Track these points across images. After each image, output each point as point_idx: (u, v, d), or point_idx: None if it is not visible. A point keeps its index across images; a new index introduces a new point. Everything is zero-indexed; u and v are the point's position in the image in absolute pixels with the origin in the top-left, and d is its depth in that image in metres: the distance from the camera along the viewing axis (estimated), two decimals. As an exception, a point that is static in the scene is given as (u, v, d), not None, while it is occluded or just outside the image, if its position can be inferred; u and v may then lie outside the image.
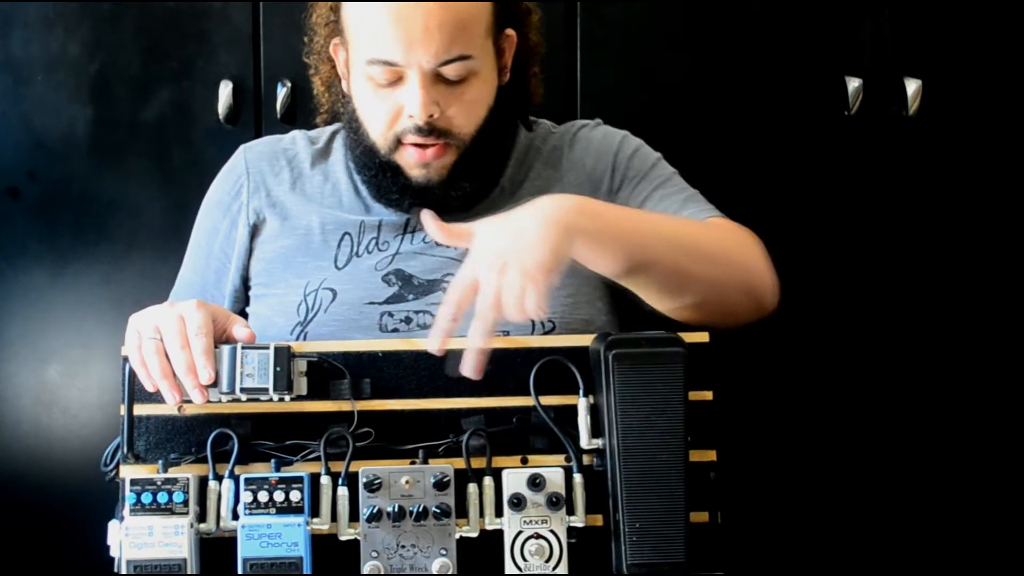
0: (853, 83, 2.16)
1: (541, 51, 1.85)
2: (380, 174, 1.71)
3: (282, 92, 2.12)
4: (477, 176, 1.71)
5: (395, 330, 1.66)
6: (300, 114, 2.13)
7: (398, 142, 1.67)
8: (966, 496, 2.19)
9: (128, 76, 2.13)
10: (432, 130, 1.64)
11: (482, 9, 1.66)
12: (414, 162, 1.67)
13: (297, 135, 1.87)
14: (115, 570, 1.44)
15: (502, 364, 1.49)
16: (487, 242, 1.44)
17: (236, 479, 1.45)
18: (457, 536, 1.45)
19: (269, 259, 1.77)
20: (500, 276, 1.40)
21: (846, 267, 2.18)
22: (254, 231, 1.79)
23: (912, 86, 2.16)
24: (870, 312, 2.19)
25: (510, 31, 1.75)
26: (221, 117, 2.12)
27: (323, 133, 1.87)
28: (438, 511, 1.44)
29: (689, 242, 1.55)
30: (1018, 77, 2.20)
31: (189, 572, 1.42)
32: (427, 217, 1.50)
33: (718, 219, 1.71)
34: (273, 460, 1.46)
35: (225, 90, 2.11)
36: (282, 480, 1.43)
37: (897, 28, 2.19)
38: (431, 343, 1.46)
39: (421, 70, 1.61)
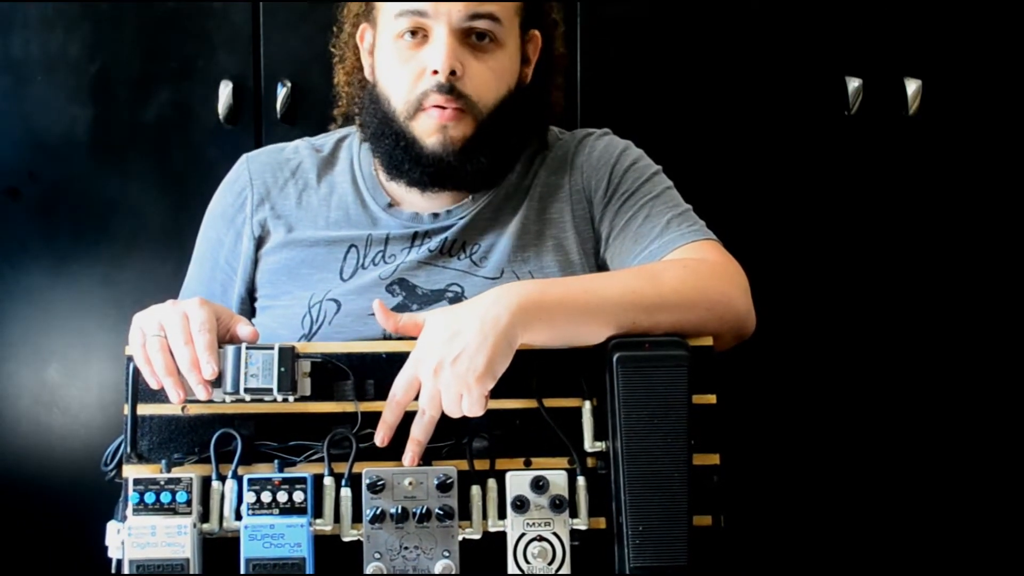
0: (853, 83, 2.16)
1: (564, 64, 1.88)
2: (395, 145, 1.71)
3: (282, 92, 2.12)
4: (492, 153, 1.71)
5: (400, 339, 1.66)
6: (300, 114, 2.13)
7: (419, 106, 1.68)
8: (966, 498, 2.20)
9: (128, 76, 2.13)
10: (452, 90, 1.65)
11: None
12: (433, 125, 1.67)
13: (300, 144, 1.87)
14: (114, 570, 1.45)
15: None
16: (427, 341, 1.47)
17: (239, 479, 1.45)
18: (460, 538, 1.45)
19: (274, 270, 1.77)
20: (437, 378, 1.44)
21: (847, 267, 2.19)
22: (259, 243, 1.79)
23: (912, 86, 2.16)
24: (871, 312, 2.19)
25: (536, 32, 1.78)
26: (221, 117, 2.11)
27: (328, 140, 1.87)
28: (441, 513, 1.44)
29: (644, 297, 1.53)
30: (1018, 77, 2.21)
31: (192, 572, 1.42)
32: (377, 306, 1.54)
33: (696, 244, 1.68)
34: (276, 461, 1.46)
35: (225, 90, 2.11)
36: (285, 481, 1.43)
37: (897, 28, 2.19)
38: (377, 436, 1.48)
39: (449, 23, 1.65)
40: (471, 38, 1.67)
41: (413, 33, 1.68)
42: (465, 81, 1.66)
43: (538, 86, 1.80)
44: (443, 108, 1.66)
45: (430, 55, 1.66)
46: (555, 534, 1.45)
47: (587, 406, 1.49)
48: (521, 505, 1.45)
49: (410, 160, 1.70)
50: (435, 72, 1.65)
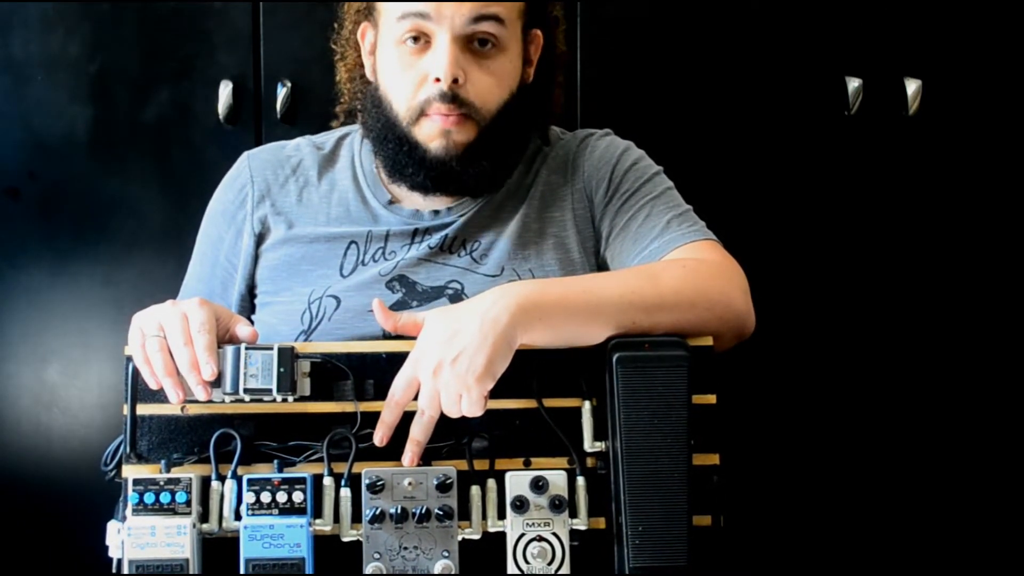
0: (853, 83, 2.16)
1: (565, 60, 1.88)
2: (398, 149, 1.71)
3: (282, 92, 2.12)
4: (495, 157, 1.71)
5: (399, 338, 1.65)
6: (300, 114, 2.13)
7: (421, 113, 1.68)
8: (966, 498, 2.20)
9: (128, 76, 2.13)
10: (455, 98, 1.65)
11: None
12: (436, 130, 1.67)
13: (302, 142, 1.87)
14: (115, 570, 1.45)
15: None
16: (427, 341, 1.47)
17: (239, 480, 1.45)
18: (460, 538, 1.45)
19: (274, 266, 1.77)
20: (436, 378, 1.44)
21: (847, 267, 2.19)
22: (260, 239, 1.79)
23: (912, 86, 2.16)
24: (871, 312, 2.19)
25: (538, 31, 1.77)
26: (221, 117, 2.12)
27: (329, 138, 1.87)
28: (441, 513, 1.44)
29: (644, 297, 1.52)
30: (1018, 77, 2.21)
31: (191, 572, 1.42)
32: (376, 305, 1.54)
33: (696, 244, 1.68)
34: (276, 461, 1.46)
35: (225, 90, 2.11)
36: (285, 481, 1.43)
37: (897, 28, 2.19)
38: (376, 436, 1.48)
39: (452, 29, 1.64)
40: (473, 44, 1.67)
41: (415, 39, 1.67)
42: (468, 88, 1.66)
43: (540, 85, 1.80)
44: (446, 116, 1.66)
45: (432, 62, 1.65)
46: (555, 534, 1.45)
47: (587, 406, 1.49)
48: (521, 505, 1.45)
49: (413, 164, 1.70)
50: (437, 80, 1.65)
